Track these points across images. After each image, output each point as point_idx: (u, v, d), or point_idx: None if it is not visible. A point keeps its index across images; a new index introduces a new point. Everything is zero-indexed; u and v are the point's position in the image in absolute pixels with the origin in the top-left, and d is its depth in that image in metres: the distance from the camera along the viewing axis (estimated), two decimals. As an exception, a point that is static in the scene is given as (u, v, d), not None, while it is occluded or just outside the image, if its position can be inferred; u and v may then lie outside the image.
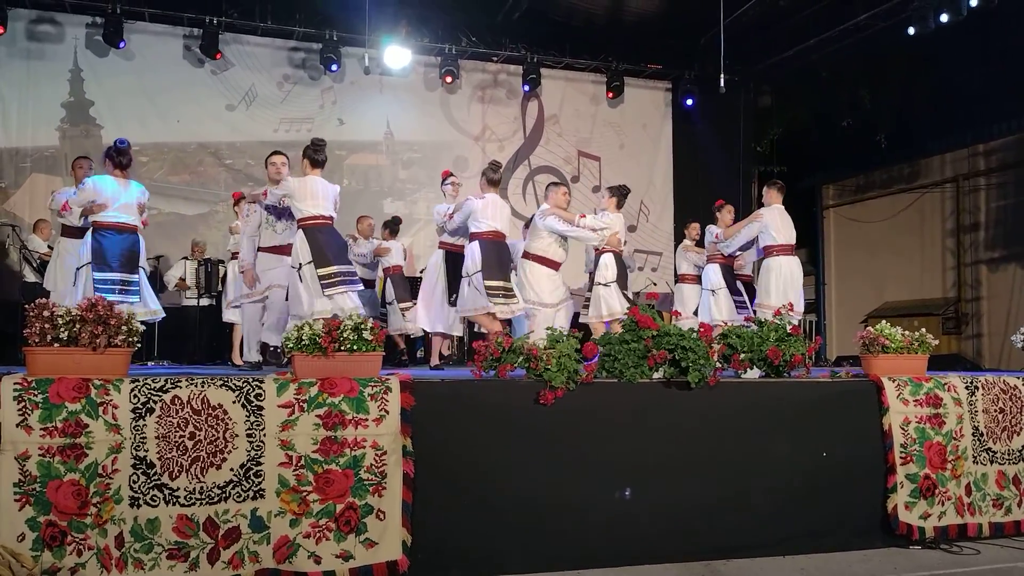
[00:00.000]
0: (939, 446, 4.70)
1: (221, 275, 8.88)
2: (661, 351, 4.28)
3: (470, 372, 4.36)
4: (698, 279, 8.58)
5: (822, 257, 14.33)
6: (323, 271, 5.68)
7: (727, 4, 9.93)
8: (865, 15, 10.38)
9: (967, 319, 11.87)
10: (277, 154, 6.33)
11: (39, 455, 3.28)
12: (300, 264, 5.73)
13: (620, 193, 7.21)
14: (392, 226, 9.13)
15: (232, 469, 3.54)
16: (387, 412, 3.76)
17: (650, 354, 4.28)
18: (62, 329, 3.47)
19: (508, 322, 6.62)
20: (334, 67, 10.91)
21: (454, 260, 6.92)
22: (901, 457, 4.62)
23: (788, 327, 4.89)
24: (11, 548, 3.19)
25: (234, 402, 3.58)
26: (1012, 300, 11.15)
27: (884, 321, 5.07)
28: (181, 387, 3.53)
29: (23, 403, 3.30)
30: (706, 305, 8.03)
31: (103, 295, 5.28)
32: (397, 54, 10.77)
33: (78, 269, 5.82)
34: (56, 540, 3.27)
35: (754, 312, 7.19)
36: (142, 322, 4.39)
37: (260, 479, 3.57)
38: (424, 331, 7.85)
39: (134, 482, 3.40)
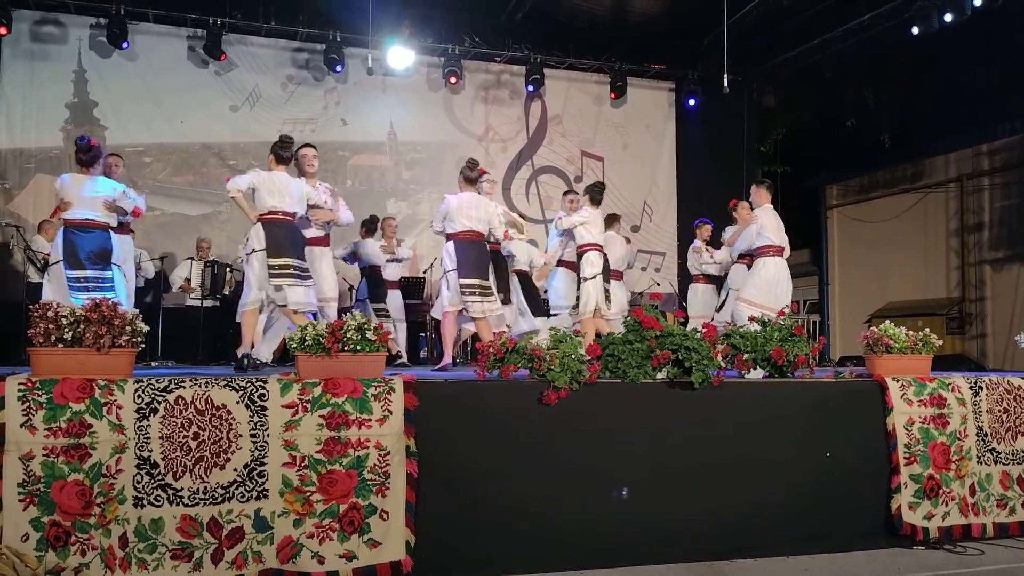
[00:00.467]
0: (943, 446, 4.69)
1: (227, 278, 8.86)
2: (664, 351, 4.28)
3: (473, 373, 4.36)
4: (707, 279, 8.59)
5: (826, 257, 14.28)
6: (274, 260, 5.69)
7: (730, 4, 9.91)
8: (869, 15, 10.35)
9: (971, 319, 11.82)
10: (308, 146, 6.41)
11: (43, 455, 3.29)
12: (253, 250, 5.73)
13: (595, 190, 7.47)
14: (369, 225, 9.03)
15: (236, 469, 3.54)
16: (390, 412, 3.77)
17: (653, 354, 4.28)
18: (66, 330, 3.48)
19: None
20: (338, 68, 10.92)
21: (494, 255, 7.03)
22: (905, 457, 4.61)
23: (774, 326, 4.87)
24: (15, 548, 3.20)
25: (238, 402, 3.59)
26: (1016, 300, 11.11)
27: (888, 321, 5.06)
28: (185, 387, 3.54)
29: (27, 403, 3.31)
30: (731, 305, 7.98)
31: (75, 292, 5.32)
32: (400, 55, 10.77)
33: (50, 266, 5.79)
34: (60, 540, 3.27)
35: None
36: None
37: (264, 479, 3.57)
38: (424, 332, 7.81)
39: (138, 482, 3.41)
